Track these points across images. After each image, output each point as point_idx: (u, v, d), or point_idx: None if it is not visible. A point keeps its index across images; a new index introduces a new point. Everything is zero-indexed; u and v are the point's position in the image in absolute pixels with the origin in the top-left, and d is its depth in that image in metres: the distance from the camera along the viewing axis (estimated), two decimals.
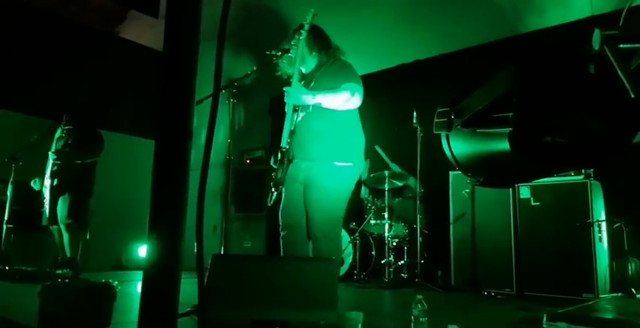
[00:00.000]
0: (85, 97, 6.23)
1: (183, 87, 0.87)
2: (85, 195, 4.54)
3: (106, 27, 7.46)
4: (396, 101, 5.21)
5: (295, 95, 2.60)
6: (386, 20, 5.65)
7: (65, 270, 4.11)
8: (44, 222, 4.49)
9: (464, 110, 1.05)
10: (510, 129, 0.92)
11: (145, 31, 7.73)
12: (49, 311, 2.08)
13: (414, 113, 4.49)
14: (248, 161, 6.48)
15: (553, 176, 3.63)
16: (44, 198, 4.49)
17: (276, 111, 6.71)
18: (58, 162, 4.37)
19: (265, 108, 6.80)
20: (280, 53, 2.80)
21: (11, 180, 4.74)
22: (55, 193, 4.41)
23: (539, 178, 3.43)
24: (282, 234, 2.69)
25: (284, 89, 2.65)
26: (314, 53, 2.77)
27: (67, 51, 6.48)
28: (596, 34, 0.77)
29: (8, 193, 4.71)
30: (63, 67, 6.43)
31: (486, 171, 1.16)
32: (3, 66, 5.86)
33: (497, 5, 4.89)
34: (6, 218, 4.67)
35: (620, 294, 3.57)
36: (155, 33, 7.84)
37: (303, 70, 2.83)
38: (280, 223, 2.71)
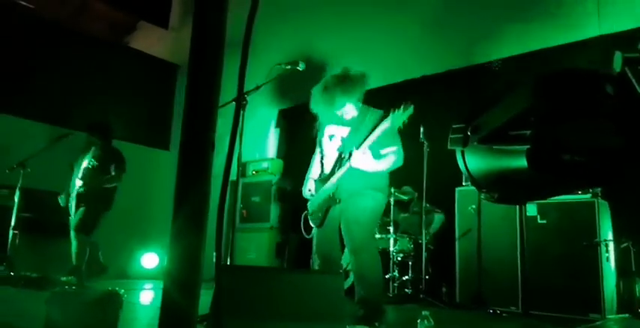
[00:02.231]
0: (94, 106, 6.30)
1: (208, 101, 0.89)
2: (101, 210, 4.61)
3: (115, 37, 7.56)
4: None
5: (355, 156, 2.71)
6: (394, 36, 5.72)
7: (70, 277, 4.12)
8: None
9: (480, 127, 1.07)
10: (528, 146, 0.94)
11: (154, 42, 7.83)
12: (55, 318, 2.08)
13: (421, 128, 4.50)
14: (254, 172, 6.49)
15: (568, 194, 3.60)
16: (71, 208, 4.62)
17: (283, 123, 6.78)
18: (85, 187, 4.52)
19: (272, 120, 6.84)
20: (318, 90, 2.93)
21: (19, 186, 4.78)
22: (77, 204, 4.55)
23: (555, 196, 3.39)
24: (317, 262, 2.95)
25: (341, 140, 2.86)
26: (353, 99, 2.85)
27: (76, 61, 6.60)
28: (618, 57, 0.78)
29: (15, 199, 4.75)
30: (72, 76, 6.53)
31: (501, 187, 1.16)
32: (12, 74, 5.97)
33: (504, 23, 4.94)
34: (12, 224, 4.70)
35: (627, 315, 3.54)
36: (165, 43, 7.95)
37: (340, 114, 2.89)
38: (315, 252, 2.96)
